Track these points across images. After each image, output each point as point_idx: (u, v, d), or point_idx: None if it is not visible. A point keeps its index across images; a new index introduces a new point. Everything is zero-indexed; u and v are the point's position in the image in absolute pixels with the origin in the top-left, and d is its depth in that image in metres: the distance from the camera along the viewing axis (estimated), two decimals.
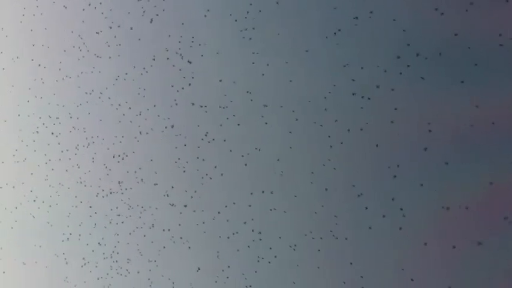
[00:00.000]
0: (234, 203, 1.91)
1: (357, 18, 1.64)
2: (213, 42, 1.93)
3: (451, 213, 1.46)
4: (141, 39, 2.05)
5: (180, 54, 1.97)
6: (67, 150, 2.24)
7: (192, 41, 1.98)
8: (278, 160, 1.82)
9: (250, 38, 1.86)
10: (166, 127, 2.04)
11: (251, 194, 1.87)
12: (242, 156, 1.90)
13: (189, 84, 1.98)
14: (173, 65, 2.00)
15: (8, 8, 2.30)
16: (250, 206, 1.89)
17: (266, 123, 1.85)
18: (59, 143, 2.25)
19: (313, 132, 1.76)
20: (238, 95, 1.89)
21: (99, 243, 2.19)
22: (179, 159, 2.02)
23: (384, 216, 1.62)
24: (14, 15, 2.29)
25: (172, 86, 2.02)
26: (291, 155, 1.82)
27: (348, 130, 1.66)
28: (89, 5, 2.13)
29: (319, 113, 1.74)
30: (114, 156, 2.12)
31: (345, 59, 1.69)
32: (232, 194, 1.93)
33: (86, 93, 2.18)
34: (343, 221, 1.71)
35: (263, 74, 1.84)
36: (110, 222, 2.17)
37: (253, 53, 1.84)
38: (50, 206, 2.28)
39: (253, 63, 1.85)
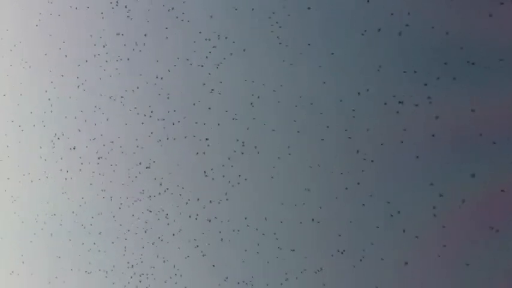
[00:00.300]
0: (261, 214, 1.83)
1: (392, 14, 1.54)
2: (241, 43, 1.85)
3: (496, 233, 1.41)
4: (167, 39, 1.97)
5: (206, 57, 1.89)
6: (87, 158, 2.19)
7: (216, 44, 1.89)
8: (310, 167, 1.75)
9: (279, 40, 1.77)
10: (190, 133, 1.97)
11: (281, 204, 1.79)
12: (271, 165, 1.82)
13: (212, 90, 1.90)
14: (199, 65, 1.92)
15: (23, 12, 2.24)
16: (278, 217, 1.82)
17: (298, 131, 1.76)
18: (79, 156, 2.19)
19: (346, 140, 1.67)
20: (267, 100, 1.81)
21: (123, 254, 2.14)
22: (205, 167, 1.95)
23: (418, 237, 1.53)
24: (30, 20, 2.23)
25: (198, 89, 1.95)
26: (322, 164, 1.73)
27: (382, 144, 1.57)
28: (112, 7, 2.06)
29: (350, 120, 1.66)
30: (137, 164, 2.06)
31: (377, 62, 1.60)
32: (260, 204, 1.85)
33: (110, 97, 2.11)
34: (378, 239, 1.62)
35: (294, 78, 1.75)
36: (136, 233, 2.11)
37: (283, 58, 1.76)
38: (72, 216, 2.23)
39: (283, 61, 1.76)
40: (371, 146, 1.62)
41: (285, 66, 1.77)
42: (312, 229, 1.77)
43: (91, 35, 2.13)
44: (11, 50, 2.27)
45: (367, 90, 1.63)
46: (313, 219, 1.77)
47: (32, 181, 2.30)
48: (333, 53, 1.67)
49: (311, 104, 1.72)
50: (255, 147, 1.85)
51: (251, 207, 1.89)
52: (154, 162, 2.05)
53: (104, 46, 2.10)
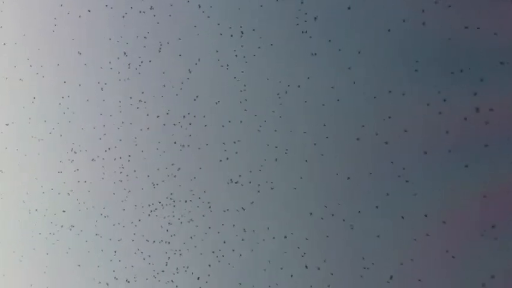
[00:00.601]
0: (289, 222, 1.74)
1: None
2: (268, 40, 1.75)
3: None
4: (189, 36, 1.90)
5: (236, 55, 1.80)
6: (108, 167, 2.14)
7: (244, 43, 1.80)
8: (348, 179, 1.65)
9: (309, 36, 1.67)
10: (217, 136, 1.89)
11: (310, 214, 1.68)
12: (302, 170, 1.72)
13: (241, 91, 1.81)
14: (222, 65, 1.83)
15: (41, 15, 2.20)
16: (308, 227, 1.71)
17: (327, 137, 1.65)
18: (102, 165, 2.15)
19: (382, 145, 1.56)
20: (295, 101, 1.71)
21: (149, 263, 2.08)
22: (231, 175, 1.87)
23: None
24: (46, 25, 2.20)
25: (225, 88, 1.86)
26: (357, 169, 1.62)
27: (425, 152, 1.45)
28: (131, 8, 2.00)
29: (387, 122, 1.54)
30: (159, 169, 2.00)
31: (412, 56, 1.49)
32: (289, 211, 1.76)
33: (130, 100, 2.05)
34: (415, 254, 1.50)
35: (323, 79, 1.65)
36: (160, 241, 2.04)
37: (312, 53, 1.65)
38: (95, 223, 2.19)
39: (309, 66, 1.66)
40: (410, 154, 1.51)
41: (312, 64, 1.67)
42: (340, 243, 1.66)
43: (110, 39, 2.07)
44: (28, 59, 2.24)
45: (401, 90, 1.51)
46: (341, 234, 1.66)
47: (49, 192, 2.27)
48: (359, 52, 1.55)
49: (337, 100, 1.61)
50: (286, 151, 1.75)
51: (277, 216, 1.80)
52: (178, 169, 1.99)
53: (124, 51, 2.05)
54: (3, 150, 2.33)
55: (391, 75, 1.56)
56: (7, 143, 2.31)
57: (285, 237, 1.79)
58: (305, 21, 1.66)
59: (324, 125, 1.67)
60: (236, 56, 1.83)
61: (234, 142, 1.89)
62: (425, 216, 1.52)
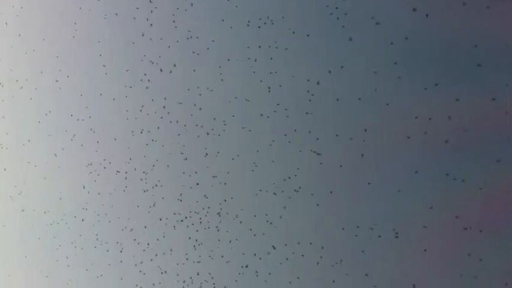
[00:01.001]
0: (320, 236, 1.63)
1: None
2: (301, 36, 1.65)
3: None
4: (213, 42, 1.81)
5: (269, 50, 1.70)
6: (131, 177, 2.06)
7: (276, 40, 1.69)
8: (389, 188, 1.51)
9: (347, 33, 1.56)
10: (244, 142, 1.79)
11: (342, 229, 1.56)
12: (337, 176, 1.60)
13: (270, 91, 1.71)
14: (250, 65, 1.74)
15: (64, 18, 2.15)
16: (339, 242, 1.60)
17: (364, 140, 1.53)
18: (125, 177, 2.07)
19: (424, 151, 1.44)
20: (325, 99, 1.60)
21: (177, 274, 2.00)
22: (260, 187, 1.76)
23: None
24: (67, 28, 2.14)
25: (253, 87, 1.77)
26: (400, 178, 1.50)
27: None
28: (155, 7, 1.93)
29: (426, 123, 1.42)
30: (185, 180, 1.91)
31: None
32: (322, 223, 1.65)
33: (155, 112, 1.97)
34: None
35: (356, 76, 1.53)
36: (186, 254, 1.96)
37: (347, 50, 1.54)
38: (119, 235, 2.11)
39: (342, 66, 1.54)
40: (460, 165, 1.40)
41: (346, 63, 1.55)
42: (378, 259, 1.54)
43: (133, 42, 2.00)
44: (51, 65, 2.19)
45: (436, 84, 1.39)
46: (376, 250, 1.54)
47: (70, 204, 2.22)
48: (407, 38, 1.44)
49: (376, 97, 1.49)
50: (319, 154, 1.63)
51: (309, 229, 1.69)
52: (203, 177, 1.90)
53: (144, 55, 1.97)
54: (26, 164, 2.29)
55: (438, 68, 1.43)
56: (29, 157, 2.28)
57: (321, 249, 1.68)
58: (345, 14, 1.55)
59: (366, 130, 1.55)
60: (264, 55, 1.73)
61: (265, 147, 1.78)
62: (466, 229, 1.44)
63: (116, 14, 1.99)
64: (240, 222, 1.85)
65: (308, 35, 1.59)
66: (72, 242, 2.24)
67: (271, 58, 1.68)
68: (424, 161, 1.46)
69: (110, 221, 2.12)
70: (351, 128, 1.56)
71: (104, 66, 2.07)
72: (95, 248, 2.19)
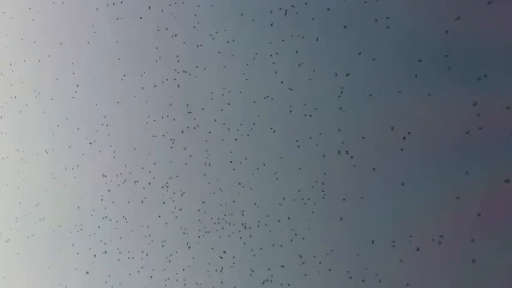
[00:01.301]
0: (354, 248, 1.54)
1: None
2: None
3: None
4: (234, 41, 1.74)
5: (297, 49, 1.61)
6: (154, 187, 2.00)
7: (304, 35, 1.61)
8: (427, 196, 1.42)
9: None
10: (272, 148, 1.72)
11: (372, 242, 1.47)
12: (370, 179, 1.51)
13: (291, 89, 1.63)
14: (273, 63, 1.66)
15: (81, 22, 2.10)
16: (376, 253, 1.50)
17: (401, 149, 1.43)
18: (143, 187, 2.01)
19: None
20: (356, 94, 1.51)
21: (200, 284, 1.94)
22: (289, 191, 1.68)
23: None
24: (86, 29, 2.09)
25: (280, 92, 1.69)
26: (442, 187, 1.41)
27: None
28: (175, 3, 1.87)
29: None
30: (211, 193, 1.85)
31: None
32: (354, 236, 1.56)
33: (174, 119, 1.91)
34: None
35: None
36: (208, 264, 1.88)
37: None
38: (141, 246, 2.05)
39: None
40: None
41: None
42: (415, 269, 1.44)
43: (157, 47, 1.94)
44: (73, 69, 2.14)
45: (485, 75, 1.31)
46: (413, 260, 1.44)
47: (90, 214, 2.17)
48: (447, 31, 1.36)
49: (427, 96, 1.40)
50: (352, 158, 1.54)
51: (339, 241, 1.60)
52: (225, 185, 1.83)
53: (162, 58, 1.90)
54: (45, 175, 2.25)
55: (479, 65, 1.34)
56: (47, 168, 2.24)
57: (347, 272, 1.59)
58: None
59: (392, 128, 1.45)
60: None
61: (294, 151, 1.70)
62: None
63: (141, 17, 1.93)
64: (270, 231, 1.77)
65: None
66: (90, 249, 2.19)
67: (297, 51, 1.60)
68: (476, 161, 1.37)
69: (132, 230, 2.06)
70: (386, 126, 1.47)
71: (122, 73, 2.01)
72: (118, 260, 2.14)
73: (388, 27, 1.43)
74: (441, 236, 1.43)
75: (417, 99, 1.41)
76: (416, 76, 1.41)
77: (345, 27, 1.48)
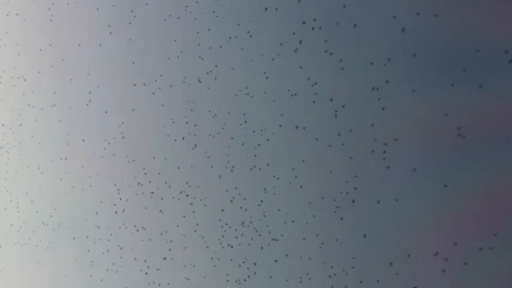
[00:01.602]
0: (382, 265, 1.44)
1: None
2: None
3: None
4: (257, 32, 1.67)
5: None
6: (170, 194, 1.93)
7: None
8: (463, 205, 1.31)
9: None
10: (294, 154, 1.63)
11: (408, 256, 1.37)
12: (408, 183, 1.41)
13: (313, 85, 1.54)
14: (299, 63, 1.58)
15: (99, 20, 2.07)
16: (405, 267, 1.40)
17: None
18: (161, 197, 1.95)
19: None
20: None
21: None
22: (310, 199, 1.58)
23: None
24: (102, 29, 2.06)
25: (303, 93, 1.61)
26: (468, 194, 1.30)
27: None
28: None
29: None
30: (232, 201, 1.77)
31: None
32: (386, 252, 1.46)
33: (187, 122, 1.84)
34: None
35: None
36: (227, 275, 1.80)
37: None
38: (160, 256, 1.98)
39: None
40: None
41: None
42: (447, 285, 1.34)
43: (173, 57, 1.89)
44: (88, 75, 2.11)
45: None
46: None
47: (107, 224, 2.12)
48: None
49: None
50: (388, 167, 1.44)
51: (367, 255, 1.51)
52: (241, 192, 1.75)
53: (180, 59, 1.85)
54: (57, 181, 2.22)
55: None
56: (61, 175, 2.22)
57: (377, 281, 1.50)
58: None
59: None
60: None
61: (318, 156, 1.61)
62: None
63: (165, 19, 1.89)
64: (297, 240, 1.68)
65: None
66: (104, 254, 2.13)
67: (326, 40, 1.51)
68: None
69: (150, 239, 1.99)
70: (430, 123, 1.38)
71: (138, 79, 1.97)
72: (134, 268, 2.08)
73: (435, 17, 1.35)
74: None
75: (468, 91, 1.32)
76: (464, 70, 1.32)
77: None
